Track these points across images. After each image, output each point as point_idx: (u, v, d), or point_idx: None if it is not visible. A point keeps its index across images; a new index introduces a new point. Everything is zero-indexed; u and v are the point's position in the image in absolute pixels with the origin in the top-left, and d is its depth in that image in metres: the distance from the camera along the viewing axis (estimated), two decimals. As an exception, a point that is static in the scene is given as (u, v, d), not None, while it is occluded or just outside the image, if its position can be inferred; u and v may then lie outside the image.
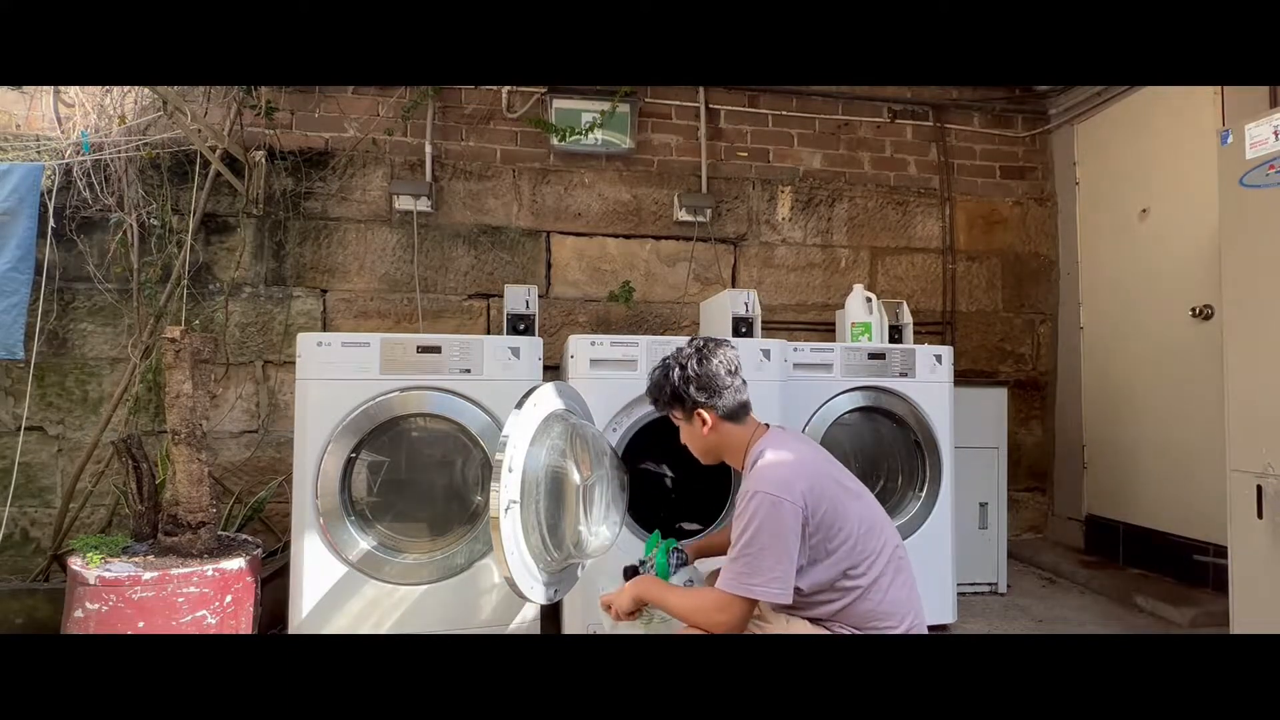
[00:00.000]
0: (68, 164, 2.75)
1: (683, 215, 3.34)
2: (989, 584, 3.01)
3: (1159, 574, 3.03)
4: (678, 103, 3.41)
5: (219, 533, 2.16)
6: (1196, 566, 2.82)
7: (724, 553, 1.61)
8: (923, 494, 2.59)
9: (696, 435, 1.62)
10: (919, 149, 3.64)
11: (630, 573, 1.78)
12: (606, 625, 1.65)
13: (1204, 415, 2.76)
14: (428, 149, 3.16)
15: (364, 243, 3.14)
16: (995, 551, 3.00)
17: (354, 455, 2.19)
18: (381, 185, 3.15)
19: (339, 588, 2.16)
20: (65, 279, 2.85)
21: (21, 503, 2.79)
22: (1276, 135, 1.93)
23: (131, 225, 2.83)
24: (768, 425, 1.63)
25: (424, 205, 3.12)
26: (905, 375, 2.59)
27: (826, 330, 3.42)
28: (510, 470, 1.56)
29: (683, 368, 1.58)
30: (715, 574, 1.57)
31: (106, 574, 1.82)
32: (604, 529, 1.85)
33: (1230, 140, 2.06)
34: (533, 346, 2.33)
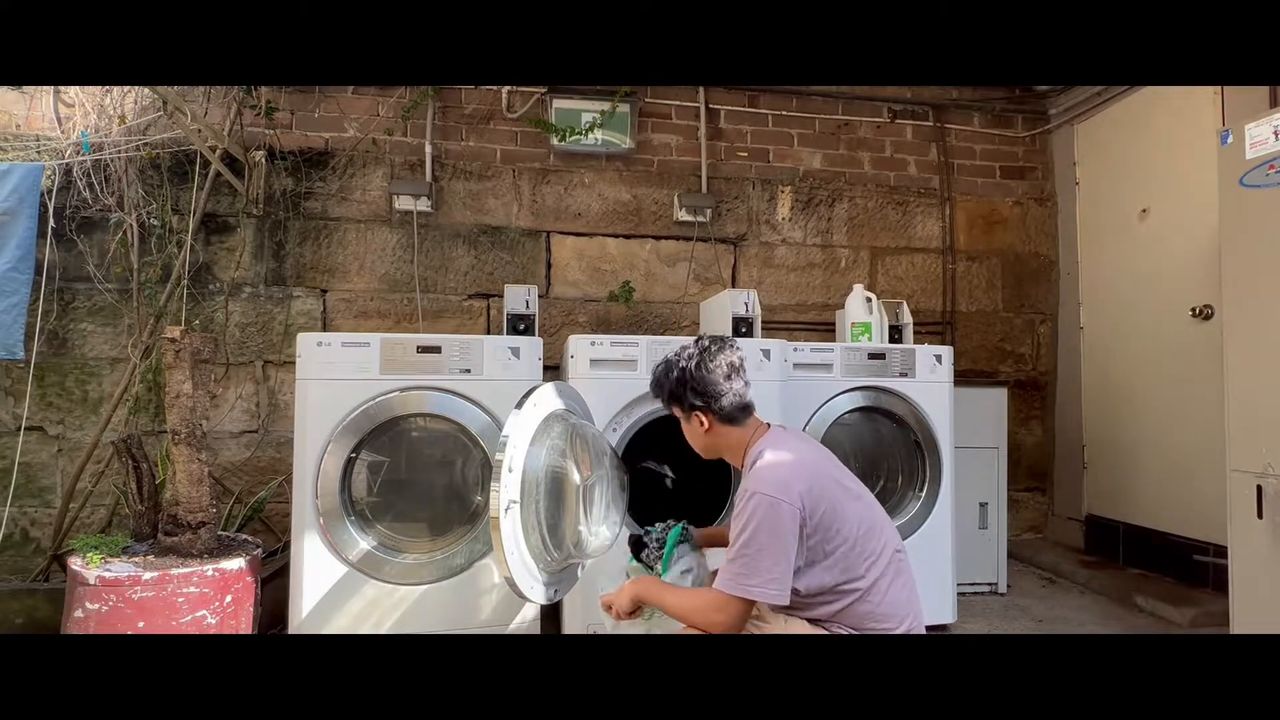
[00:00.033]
0: (68, 164, 2.75)
1: (683, 215, 3.34)
2: (989, 584, 3.01)
3: (1159, 574, 3.03)
4: (678, 103, 3.41)
5: (219, 533, 2.16)
6: (1196, 566, 2.82)
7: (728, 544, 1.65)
8: (923, 494, 2.59)
9: (696, 434, 1.63)
10: (919, 149, 3.64)
11: (635, 543, 1.80)
12: (608, 625, 1.65)
13: (1204, 415, 2.76)
14: (428, 149, 3.16)
15: (364, 243, 3.14)
16: (995, 551, 3.00)
17: (354, 455, 2.20)
18: (381, 185, 3.15)
19: (339, 588, 2.16)
20: (65, 279, 2.85)
21: (21, 503, 2.79)
22: (1276, 135, 1.93)
23: (131, 225, 2.83)
24: (769, 425, 1.62)
25: (424, 205, 3.12)
26: (905, 375, 2.60)
27: (826, 330, 3.42)
28: (510, 470, 1.56)
29: (682, 370, 1.58)
30: (716, 574, 1.58)
31: (106, 574, 1.82)
32: (604, 529, 1.85)
33: (1230, 140, 2.06)
34: (533, 346, 2.33)
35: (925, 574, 2.24)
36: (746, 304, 2.73)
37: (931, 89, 3.59)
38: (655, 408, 2.25)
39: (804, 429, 2.48)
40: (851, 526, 1.43)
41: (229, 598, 1.93)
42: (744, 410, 1.59)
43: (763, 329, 2.77)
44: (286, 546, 2.41)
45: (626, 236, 3.36)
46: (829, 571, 1.42)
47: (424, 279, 3.16)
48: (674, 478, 2.28)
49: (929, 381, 2.61)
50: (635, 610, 1.59)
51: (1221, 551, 2.20)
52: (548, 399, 1.77)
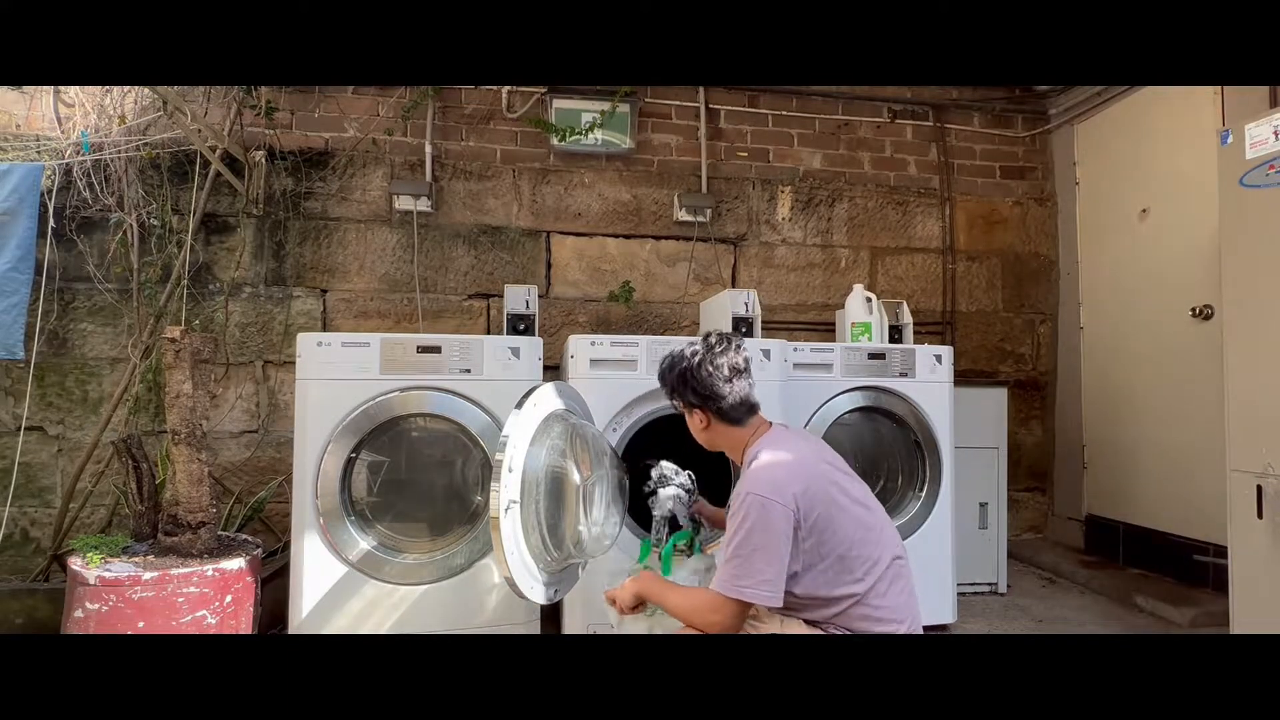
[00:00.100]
0: (68, 164, 2.75)
1: (683, 215, 3.34)
2: (989, 584, 3.01)
3: (1159, 574, 3.03)
4: (678, 103, 3.41)
5: (219, 533, 2.16)
6: (1196, 566, 2.82)
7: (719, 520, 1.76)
8: (923, 494, 2.59)
9: (696, 429, 1.65)
10: (919, 149, 3.64)
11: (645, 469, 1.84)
12: (612, 618, 1.66)
13: (1204, 415, 2.76)
14: (428, 149, 3.16)
15: (364, 243, 3.14)
16: (995, 551, 3.00)
17: (354, 455, 2.19)
18: (381, 185, 3.15)
19: (339, 588, 2.16)
20: (65, 279, 2.85)
21: (21, 503, 2.79)
22: (1276, 135, 1.93)
23: (131, 225, 2.83)
24: (772, 423, 1.62)
25: (424, 205, 3.12)
26: (905, 375, 2.59)
27: (826, 330, 3.42)
28: (510, 470, 1.56)
29: (684, 369, 1.59)
30: None
31: (106, 574, 1.82)
32: (604, 529, 1.85)
33: (1230, 140, 2.06)
34: (533, 346, 2.33)
35: (925, 574, 2.24)
36: (746, 304, 2.74)
37: (931, 89, 3.59)
38: (655, 408, 2.26)
39: (804, 429, 2.48)
40: (848, 530, 1.43)
41: (229, 598, 1.93)
42: (746, 411, 1.59)
43: (763, 329, 2.77)
44: (286, 546, 2.41)
45: (626, 236, 3.36)
46: (825, 574, 1.41)
47: (424, 279, 3.16)
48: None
49: (929, 381, 2.61)
50: (638, 606, 1.59)
51: (1221, 551, 2.20)
52: (548, 399, 1.77)
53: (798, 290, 3.50)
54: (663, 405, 2.22)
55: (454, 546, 2.25)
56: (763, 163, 3.50)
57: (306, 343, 2.19)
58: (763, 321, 2.79)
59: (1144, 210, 3.22)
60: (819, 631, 1.45)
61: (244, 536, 2.25)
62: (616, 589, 1.63)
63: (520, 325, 2.73)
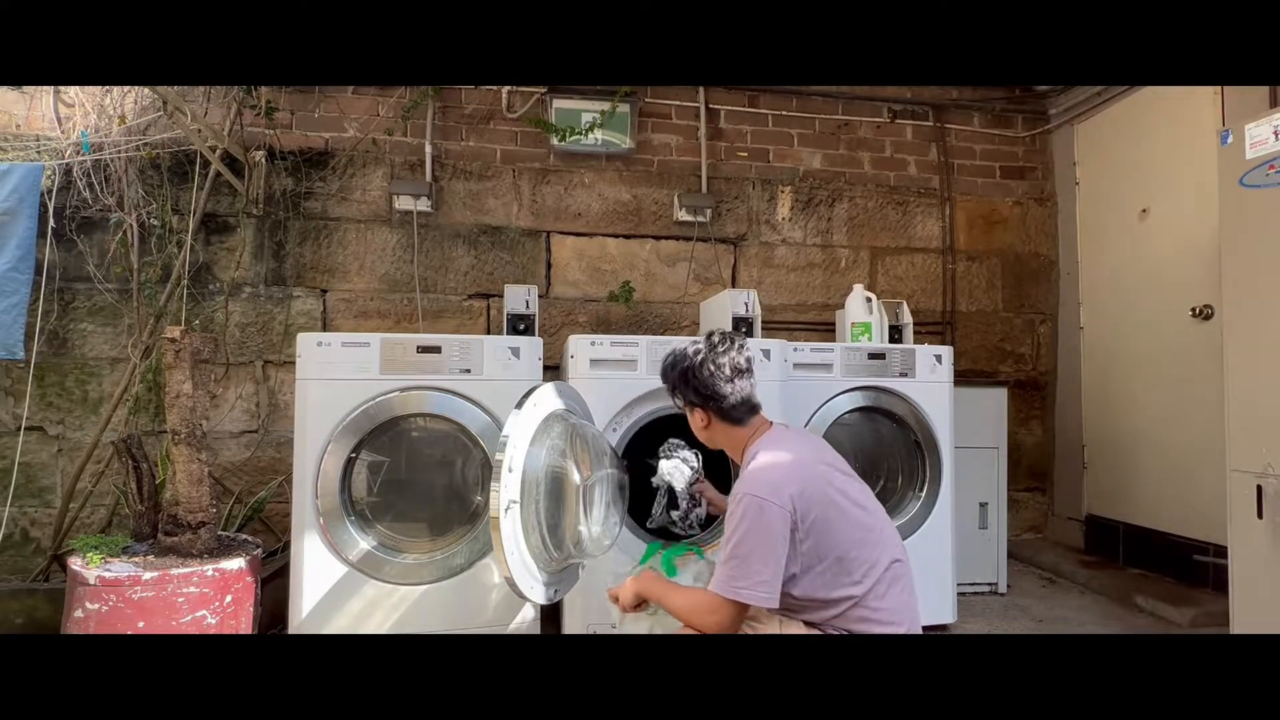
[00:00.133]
0: (68, 164, 2.75)
1: (683, 215, 3.34)
2: (989, 584, 3.01)
3: (1159, 574, 3.03)
4: (678, 103, 3.41)
5: (219, 533, 2.16)
6: (1196, 566, 2.82)
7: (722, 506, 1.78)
8: (923, 494, 2.59)
9: (697, 427, 1.66)
10: (919, 149, 3.64)
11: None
12: (615, 616, 1.67)
13: (1204, 415, 2.76)
14: (428, 149, 3.16)
15: (364, 243, 3.14)
16: (995, 551, 3.00)
17: (354, 455, 2.19)
18: (381, 185, 3.15)
19: (339, 588, 2.16)
20: (65, 279, 2.85)
21: (21, 503, 2.79)
22: (1276, 135, 1.93)
23: (131, 225, 2.83)
24: (772, 423, 1.62)
25: (424, 205, 3.12)
26: (905, 375, 2.59)
27: (826, 330, 3.42)
28: (510, 470, 1.56)
29: (686, 368, 1.59)
30: None
31: (106, 574, 1.82)
32: (604, 529, 1.85)
33: (1230, 140, 2.06)
34: (533, 346, 2.33)
35: (925, 574, 2.24)
36: (746, 304, 2.74)
37: (931, 89, 3.59)
38: (655, 408, 2.26)
39: (805, 429, 2.48)
40: (847, 531, 1.42)
41: (229, 598, 1.93)
42: (747, 411, 1.59)
43: (763, 329, 2.78)
44: (286, 546, 2.41)
45: (626, 236, 3.36)
46: (823, 576, 1.41)
47: (424, 279, 3.16)
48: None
49: (929, 381, 2.61)
50: (640, 605, 1.59)
51: (1221, 551, 2.20)
52: (548, 399, 1.77)
53: (798, 290, 3.50)
54: (663, 405, 2.22)
55: (454, 546, 2.25)
56: (763, 163, 3.50)
57: (306, 343, 2.19)
58: (763, 321, 2.79)
59: (1144, 210, 3.22)
60: (818, 632, 1.45)
61: (244, 536, 2.24)
62: (619, 587, 1.64)
63: (520, 325, 2.73)
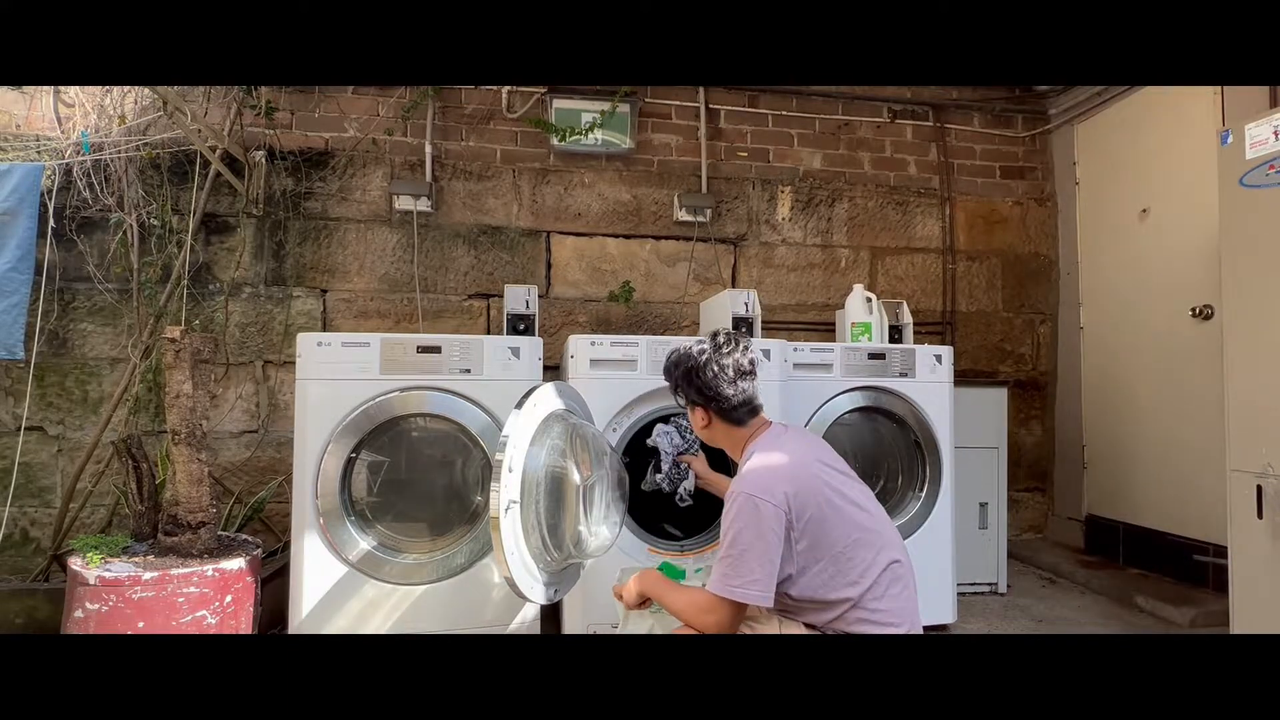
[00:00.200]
0: (68, 164, 2.75)
1: (683, 215, 3.34)
2: (989, 584, 3.01)
3: (1159, 574, 3.03)
4: (678, 103, 3.41)
5: (219, 533, 2.16)
6: (1196, 566, 2.82)
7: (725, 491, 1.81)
8: (923, 494, 2.59)
9: (698, 425, 1.66)
10: (919, 149, 3.64)
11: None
12: (619, 614, 1.67)
13: (1204, 415, 2.77)
14: (428, 149, 3.16)
15: (364, 243, 3.14)
16: (995, 551, 3.00)
17: (354, 455, 2.19)
18: (381, 185, 3.15)
19: (339, 588, 2.16)
20: (65, 279, 2.85)
21: (21, 503, 2.79)
22: (1276, 135, 1.93)
23: (131, 225, 2.83)
24: (772, 423, 1.62)
25: (424, 205, 3.12)
26: (905, 375, 2.59)
27: (826, 330, 3.42)
28: (510, 470, 1.56)
29: (690, 367, 1.59)
30: None
31: (106, 574, 1.82)
32: (604, 529, 1.85)
33: (1230, 140, 2.06)
34: (533, 346, 2.33)
35: (925, 574, 2.24)
36: (746, 304, 2.74)
37: (931, 89, 3.59)
38: (655, 408, 2.26)
39: (805, 429, 2.48)
40: (844, 530, 1.42)
41: (229, 598, 1.93)
42: (749, 412, 1.59)
43: (763, 329, 2.78)
44: (286, 546, 2.41)
45: (626, 236, 3.36)
46: (820, 576, 1.41)
47: (424, 279, 3.16)
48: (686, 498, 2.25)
49: (929, 381, 2.61)
50: (644, 603, 1.60)
51: (1221, 551, 2.20)
52: (548, 399, 1.77)
53: (798, 290, 3.50)
54: (662, 405, 2.22)
55: (454, 546, 2.25)
56: (763, 163, 3.50)
57: (306, 343, 2.19)
58: (763, 321, 2.79)
59: (1144, 210, 3.22)
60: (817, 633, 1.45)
61: (244, 536, 2.24)
62: (623, 585, 1.65)
63: (520, 325, 2.73)
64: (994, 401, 3.06)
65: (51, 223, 2.63)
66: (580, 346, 2.30)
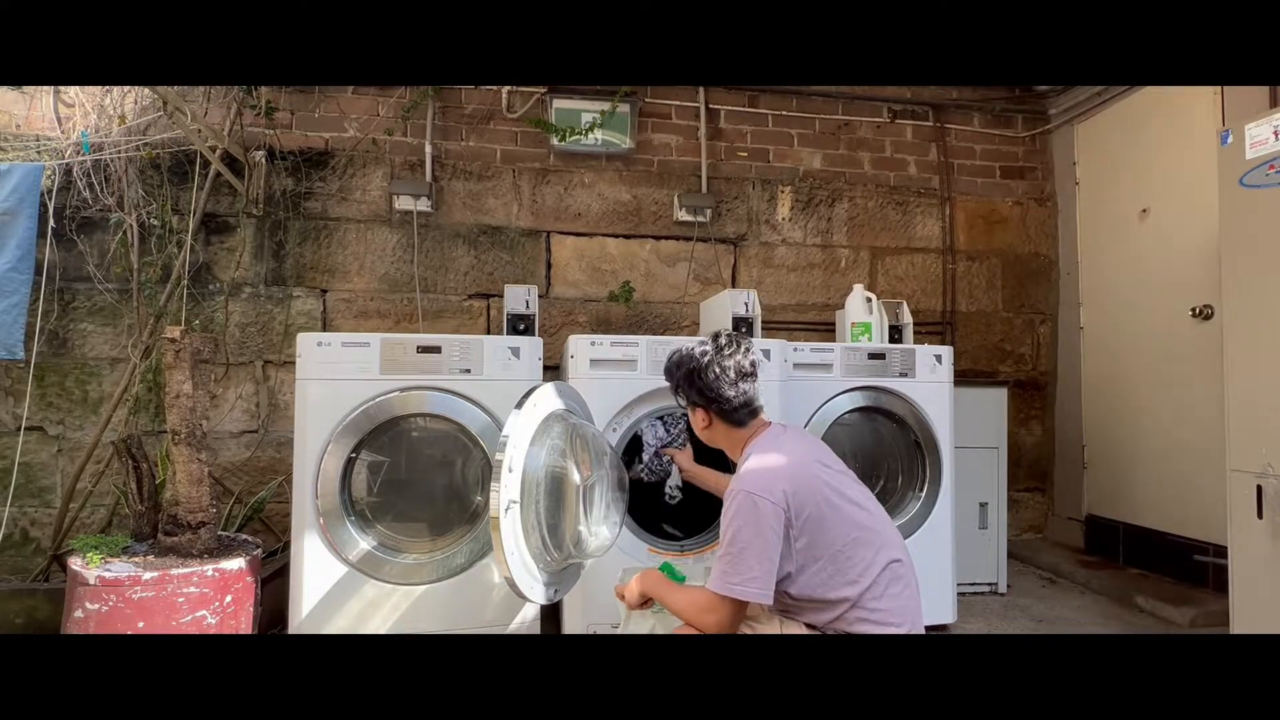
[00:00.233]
0: (68, 164, 2.75)
1: (683, 215, 3.34)
2: (989, 584, 3.01)
3: (1159, 574, 3.03)
4: (678, 103, 3.41)
5: (219, 533, 2.16)
6: (1196, 566, 2.82)
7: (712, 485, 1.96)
8: (923, 494, 2.59)
9: (698, 426, 1.66)
10: (919, 149, 3.64)
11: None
12: (621, 612, 1.67)
13: (1204, 415, 2.77)
14: (428, 149, 3.16)
15: (364, 243, 3.14)
16: (995, 551, 3.00)
17: (354, 455, 2.19)
18: (381, 185, 3.15)
19: (339, 588, 2.16)
20: (65, 279, 2.85)
21: (21, 503, 2.79)
22: (1276, 135, 1.93)
23: (131, 225, 2.83)
24: (771, 423, 1.62)
25: (424, 205, 3.12)
26: (905, 375, 2.59)
27: (826, 330, 3.42)
28: (510, 470, 1.56)
29: (691, 369, 1.59)
30: None
31: (106, 574, 1.82)
32: (604, 529, 1.85)
33: (1230, 140, 2.06)
34: (533, 346, 2.33)
35: (925, 574, 2.23)
36: (746, 304, 2.74)
37: (931, 89, 3.59)
38: (655, 408, 2.26)
39: (804, 429, 2.48)
40: (842, 529, 1.42)
41: (229, 598, 1.93)
42: (749, 414, 1.60)
43: (763, 329, 2.78)
44: (286, 546, 2.41)
45: (626, 236, 3.36)
46: (819, 575, 1.41)
47: (424, 279, 3.16)
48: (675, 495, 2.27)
49: (929, 381, 2.61)
50: (646, 602, 1.60)
51: (1221, 551, 2.20)
52: (548, 399, 1.77)
53: (798, 290, 3.50)
54: (662, 405, 2.22)
55: (454, 547, 2.25)
56: (763, 163, 3.50)
57: (306, 343, 2.19)
58: (763, 321, 2.79)
59: (1144, 210, 3.22)
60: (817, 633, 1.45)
61: (244, 536, 2.24)
62: (625, 585, 1.65)
63: (520, 325, 2.73)
64: (994, 401, 3.06)
65: (51, 223, 2.63)
66: (580, 346, 2.31)
